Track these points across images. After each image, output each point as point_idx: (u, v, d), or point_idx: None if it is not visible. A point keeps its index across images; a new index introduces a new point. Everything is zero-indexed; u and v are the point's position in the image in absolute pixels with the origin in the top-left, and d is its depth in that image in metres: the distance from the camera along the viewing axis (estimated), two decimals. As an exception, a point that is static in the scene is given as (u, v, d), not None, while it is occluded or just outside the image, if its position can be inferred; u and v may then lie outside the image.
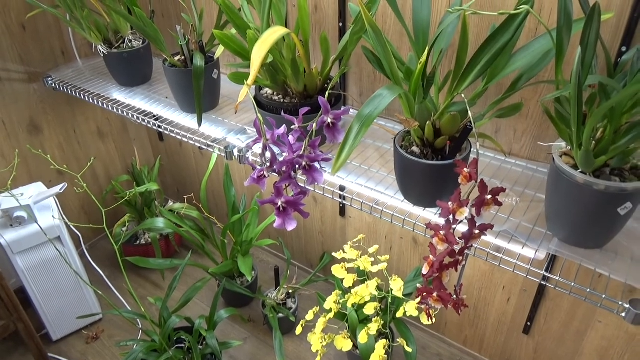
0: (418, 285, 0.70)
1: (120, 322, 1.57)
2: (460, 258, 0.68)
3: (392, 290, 1.13)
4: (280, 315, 1.45)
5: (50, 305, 1.43)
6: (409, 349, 1.08)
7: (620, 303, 0.70)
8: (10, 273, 1.36)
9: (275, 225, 0.71)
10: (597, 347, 1.14)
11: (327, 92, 0.76)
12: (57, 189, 1.31)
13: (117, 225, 1.68)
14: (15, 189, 1.35)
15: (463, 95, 0.71)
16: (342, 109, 0.73)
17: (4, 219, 1.29)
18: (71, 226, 1.37)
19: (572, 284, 0.73)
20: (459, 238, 0.65)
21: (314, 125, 0.72)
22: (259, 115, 0.72)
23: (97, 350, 1.50)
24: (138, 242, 1.75)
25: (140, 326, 1.49)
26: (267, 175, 0.73)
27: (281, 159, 0.72)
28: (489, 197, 0.63)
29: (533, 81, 0.78)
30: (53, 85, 1.43)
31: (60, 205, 1.45)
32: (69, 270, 1.39)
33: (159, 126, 1.19)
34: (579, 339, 1.16)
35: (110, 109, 1.27)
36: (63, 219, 1.45)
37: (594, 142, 0.68)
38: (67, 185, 1.33)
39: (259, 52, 0.72)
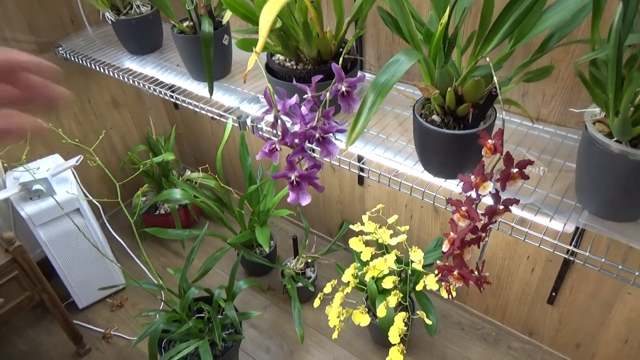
0: (438, 262, 0.67)
1: (144, 290, 1.60)
2: (483, 234, 0.64)
3: (411, 262, 1.10)
4: (300, 284, 1.44)
5: (75, 275, 1.46)
6: (429, 322, 1.06)
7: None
8: (34, 244, 1.38)
9: (289, 200, 0.68)
10: (626, 319, 1.10)
11: (341, 57, 0.72)
12: (72, 161, 1.31)
13: (136, 196, 1.68)
14: (33, 162, 1.35)
15: (488, 59, 0.66)
16: (357, 76, 0.68)
17: (24, 192, 1.29)
18: (89, 199, 1.37)
19: (603, 260, 0.69)
20: (481, 214, 0.61)
21: (327, 94, 0.67)
22: (269, 84, 0.68)
23: (122, 317, 1.53)
24: (158, 212, 1.76)
25: (162, 296, 1.51)
26: (279, 149, 0.70)
27: (294, 130, 0.68)
28: (515, 170, 0.58)
29: (565, 41, 0.71)
30: (64, 55, 1.40)
31: (80, 176, 1.45)
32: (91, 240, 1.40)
33: (171, 96, 1.16)
34: (606, 310, 1.12)
35: (122, 78, 1.24)
36: (82, 191, 1.45)
37: (632, 108, 0.62)
38: (82, 157, 1.32)
39: (267, 16, 0.67)
